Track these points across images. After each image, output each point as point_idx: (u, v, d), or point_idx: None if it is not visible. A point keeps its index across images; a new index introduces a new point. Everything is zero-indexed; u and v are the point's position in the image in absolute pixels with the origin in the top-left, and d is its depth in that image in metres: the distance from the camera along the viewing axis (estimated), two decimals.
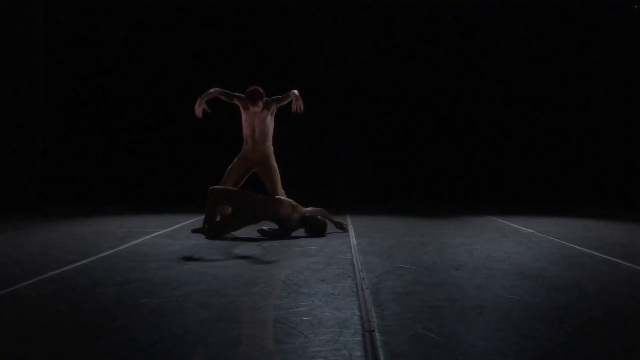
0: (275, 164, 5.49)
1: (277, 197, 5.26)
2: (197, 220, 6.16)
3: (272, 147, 5.50)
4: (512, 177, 9.49)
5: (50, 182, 8.60)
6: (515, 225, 6.12)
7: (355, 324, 2.44)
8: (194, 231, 5.28)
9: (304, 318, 2.51)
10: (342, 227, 5.53)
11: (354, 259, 4.01)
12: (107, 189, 9.22)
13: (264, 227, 5.28)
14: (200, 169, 9.04)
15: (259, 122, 5.39)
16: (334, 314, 2.58)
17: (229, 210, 5.24)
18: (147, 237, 5.08)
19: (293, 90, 5.37)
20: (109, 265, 3.75)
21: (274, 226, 5.29)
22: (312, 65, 9.38)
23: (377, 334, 2.31)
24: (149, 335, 2.28)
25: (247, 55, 9.38)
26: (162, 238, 5.03)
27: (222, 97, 5.47)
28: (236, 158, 5.51)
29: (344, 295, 2.95)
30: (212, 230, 5.06)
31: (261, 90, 5.32)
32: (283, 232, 5.14)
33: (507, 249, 4.54)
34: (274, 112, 5.50)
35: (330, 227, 5.56)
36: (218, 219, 5.28)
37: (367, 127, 9.54)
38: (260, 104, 5.32)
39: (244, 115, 5.46)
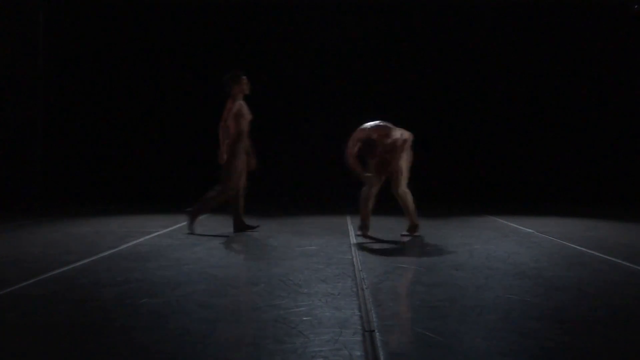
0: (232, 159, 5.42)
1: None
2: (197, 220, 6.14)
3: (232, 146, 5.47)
4: (512, 177, 9.48)
5: (51, 183, 8.60)
6: (515, 225, 6.12)
7: (355, 324, 2.44)
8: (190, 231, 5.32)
9: (304, 318, 2.51)
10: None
11: (354, 259, 4.01)
12: (108, 189, 9.21)
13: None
14: (200, 169, 9.04)
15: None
16: (334, 314, 2.58)
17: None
18: (147, 237, 5.08)
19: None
20: (109, 265, 3.76)
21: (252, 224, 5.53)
22: (311, 64, 9.38)
23: (377, 334, 2.30)
24: (149, 335, 2.28)
25: (247, 55, 9.38)
26: (162, 238, 5.03)
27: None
28: None
29: (344, 295, 2.95)
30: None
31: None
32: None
33: (507, 249, 4.53)
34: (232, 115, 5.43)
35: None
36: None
37: None
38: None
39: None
